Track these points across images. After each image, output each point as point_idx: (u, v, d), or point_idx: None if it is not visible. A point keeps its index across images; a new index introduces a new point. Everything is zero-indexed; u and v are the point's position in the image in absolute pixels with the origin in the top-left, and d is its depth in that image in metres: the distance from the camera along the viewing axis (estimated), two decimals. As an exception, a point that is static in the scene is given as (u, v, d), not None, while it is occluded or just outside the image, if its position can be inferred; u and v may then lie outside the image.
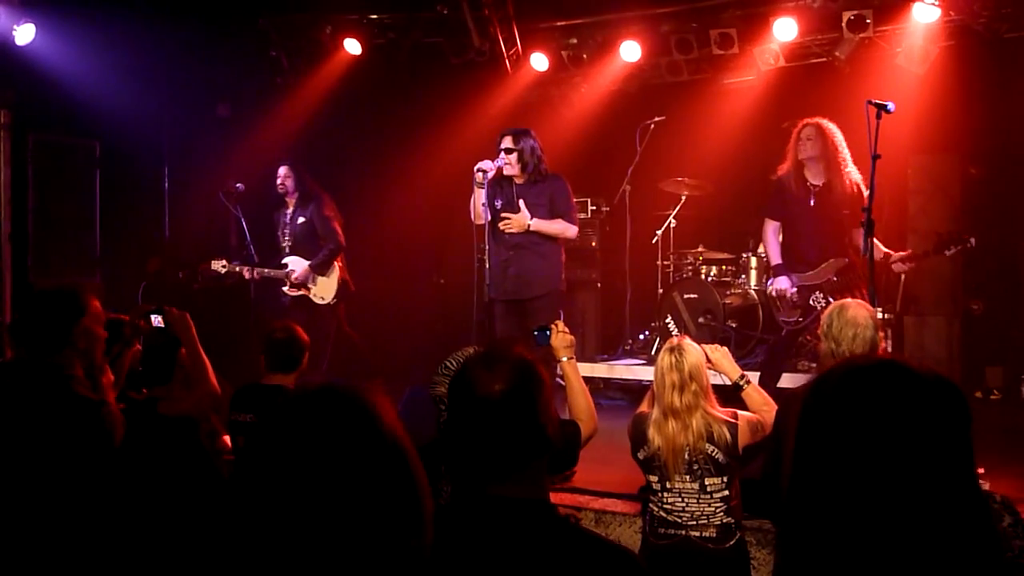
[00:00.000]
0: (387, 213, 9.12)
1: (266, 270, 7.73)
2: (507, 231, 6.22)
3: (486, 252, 6.30)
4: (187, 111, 9.27)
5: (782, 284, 6.24)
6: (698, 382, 3.83)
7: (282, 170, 7.90)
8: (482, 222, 6.23)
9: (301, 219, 7.88)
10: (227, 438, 5.05)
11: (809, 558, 1.44)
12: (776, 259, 6.37)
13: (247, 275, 7.64)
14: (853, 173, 6.04)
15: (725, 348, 4.29)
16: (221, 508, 1.18)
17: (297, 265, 7.81)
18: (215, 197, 7.93)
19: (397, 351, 9.11)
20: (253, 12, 9.25)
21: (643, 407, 4.14)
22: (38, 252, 8.44)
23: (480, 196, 6.16)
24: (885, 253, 6.01)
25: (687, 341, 3.96)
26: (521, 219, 6.20)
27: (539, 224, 6.22)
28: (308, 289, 7.84)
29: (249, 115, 9.49)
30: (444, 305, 9.65)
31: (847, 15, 8.01)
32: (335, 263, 7.90)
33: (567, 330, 3.95)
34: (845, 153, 6.04)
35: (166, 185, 9.54)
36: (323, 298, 7.86)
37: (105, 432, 3.19)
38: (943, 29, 7.96)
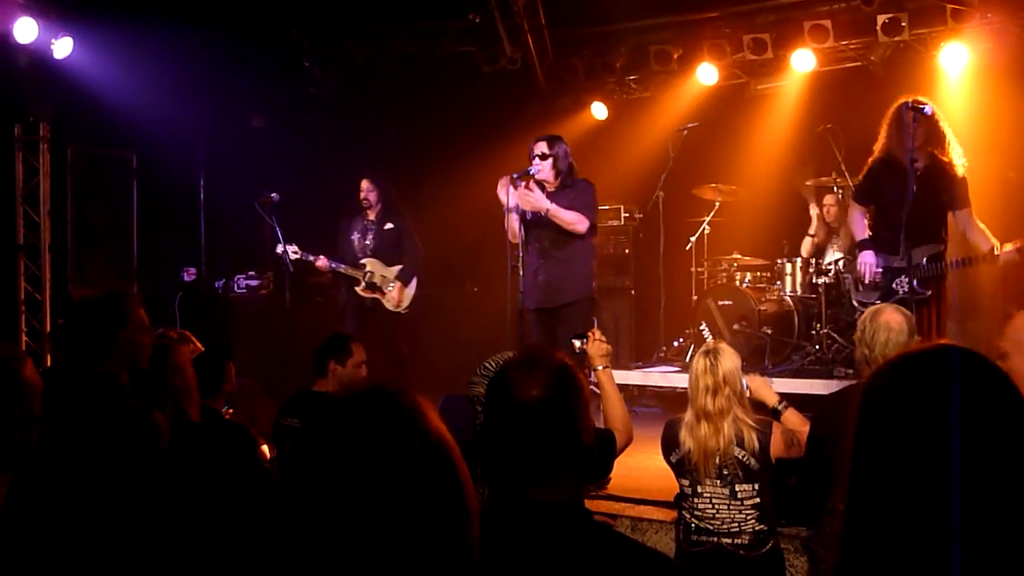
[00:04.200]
0: (420, 221, 9.14)
1: (342, 266, 7.86)
2: (526, 203, 6.20)
3: (520, 261, 6.31)
4: (222, 122, 9.35)
5: (869, 258, 5.91)
6: (731, 387, 3.82)
7: (365, 183, 8.04)
8: (518, 240, 6.28)
9: (390, 225, 8.02)
10: (265, 448, 5.10)
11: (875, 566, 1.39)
12: (861, 234, 6.09)
13: (321, 265, 7.80)
14: (956, 154, 5.72)
15: (765, 378, 4.29)
16: (268, 511, 1.21)
17: (376, 267, 7.92)
18: (250, 207, 7.99)
19: (432, 359, 9.13)
20: (286, 23, 9.32)
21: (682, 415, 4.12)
22: (77, 263, 8.54)
23: (512, 219, 6.20)
24: (991, 245, 5.66)
25: (723, 345, 3.94)
26: (538, 200, 6.17)
27: (556, 210, 6.18)
28: (383, 293, 7.92)
29: (283, 125, 9.56)
30: (478, 313, 9.65)
31: (882, 19, 7.94)
32: (414, 277, 8.05)
33: (604, 338, 3.93)
34: (949, 134, 5.73)
35: (202, 195, 9.62)
36: (400, 305, 7.95)
37: (150, 438, 3.21)
38: (980, 31, 7.87)
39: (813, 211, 8.49)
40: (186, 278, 9.14)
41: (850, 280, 6.18)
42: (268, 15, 9.00)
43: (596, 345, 3.89)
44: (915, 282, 5.69)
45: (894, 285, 5.77)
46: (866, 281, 5.95)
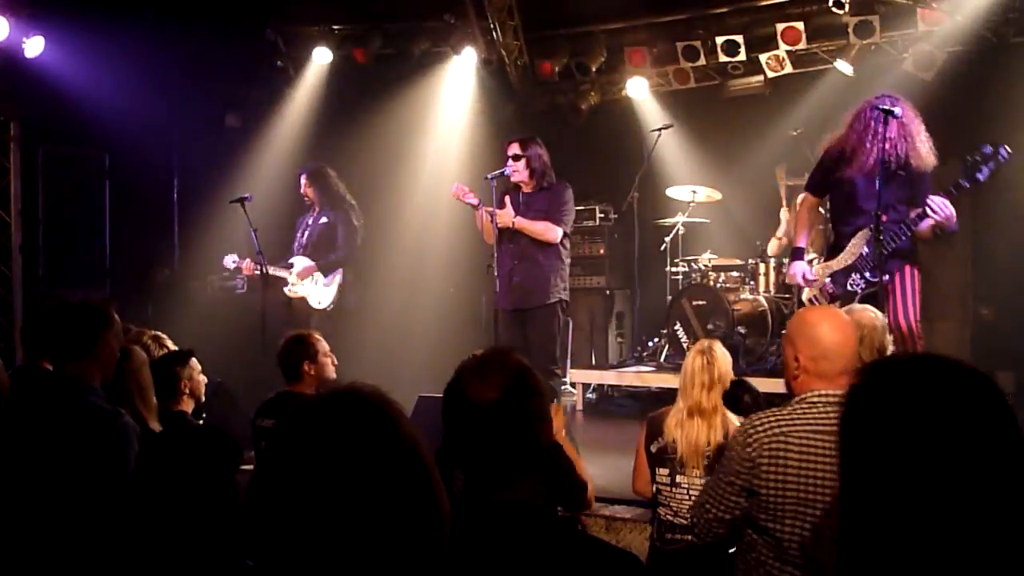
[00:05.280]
0: (397, 221, 9.12)
1: (273, 269, 7.62)
2: (499, 225, 6.29)
3: (495, 261, 6.35)
4: (195, 121, 9.29)
5: (796, 270, 5.63)
6: (724, 386, 3.86)
7: (302, 180, 7.92)
8: (493, 241, 6.33)
9: (324, 220, 7.85)
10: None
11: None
12: (798, 241, 5.77)
13: (251, 268, 7.53)
14: (925, 150, 5.31)
15: None
16: (237, 514, 1.20)
17: (300, 264, 7.76)
18: (224, 207, 7.95)
19: (408, 359, 9.11)
20: (260, 23, 9.29)
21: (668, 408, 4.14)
22: (49, 263, 8.46)
23: (484, 217, 6.24)
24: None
25: (718, 345, 4.00)
26: (505, 216, 6.26)
27: (522, 223, 6.27)
28: (307, 291, 7.77)
29: (257, 125, 9.52)
30: (455, 313, 9.65)
31: (854, 21, 8.01)
32: (339, 272, 7.81)
33: (559, 412, 3.89)
34: (921, 130, 5.35)
35: (175, 195, 9.56)
36: (320, 302, 7.76)
37: (120, 443, 3.20)
38: (950, 34, 7.95)
39: (783, 214, 8.54)
40: (159, 278, 9.08)
41: (805, 297, 5.79)
42: (243, 14, 8.96)
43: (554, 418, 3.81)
44: (867, 273, 5.37)
45: (849, 286, 5.48)
46: (804, 298, 5.75)
